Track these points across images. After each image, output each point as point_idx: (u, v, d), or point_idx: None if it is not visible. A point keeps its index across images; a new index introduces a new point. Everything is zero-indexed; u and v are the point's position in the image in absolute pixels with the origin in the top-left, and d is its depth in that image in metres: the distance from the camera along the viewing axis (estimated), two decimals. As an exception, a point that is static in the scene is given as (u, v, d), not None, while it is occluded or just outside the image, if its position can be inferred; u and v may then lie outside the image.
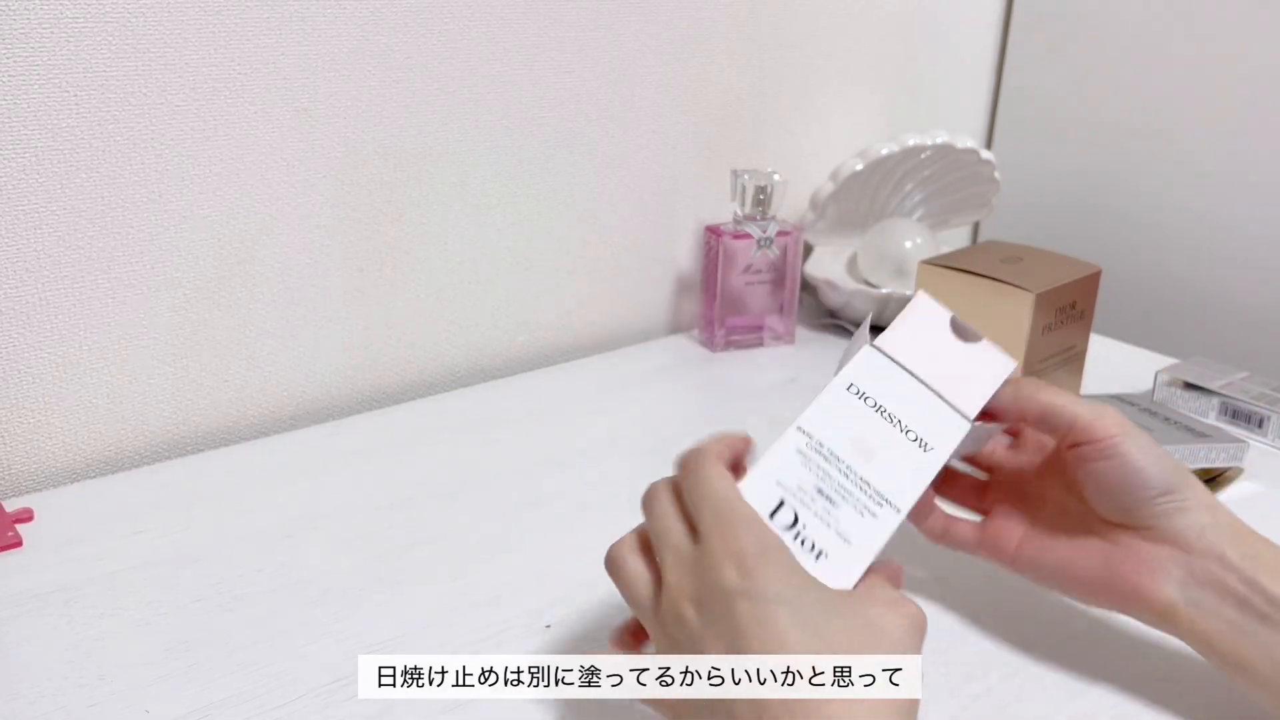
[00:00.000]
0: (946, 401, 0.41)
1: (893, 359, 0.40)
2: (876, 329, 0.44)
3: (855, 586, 0.38)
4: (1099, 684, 0.49)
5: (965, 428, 0.41)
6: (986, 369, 0.43)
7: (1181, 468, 0.45)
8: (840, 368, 0.41)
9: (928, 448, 0.40)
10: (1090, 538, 0.46)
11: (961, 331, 0.43)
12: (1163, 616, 0.45)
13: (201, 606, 0.52)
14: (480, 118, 0.78)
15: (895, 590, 0.38)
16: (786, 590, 0.36)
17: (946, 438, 0.40)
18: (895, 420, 0.39)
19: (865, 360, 0.40)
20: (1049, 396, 0.45)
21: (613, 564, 0.41)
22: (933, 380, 0.41)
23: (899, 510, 0.39)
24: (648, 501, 0.41)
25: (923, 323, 0.42)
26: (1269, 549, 0.44)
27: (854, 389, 0.39)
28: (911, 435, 0.39)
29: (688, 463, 0.41)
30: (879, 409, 0.39)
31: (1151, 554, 0.44)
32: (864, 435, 0.39)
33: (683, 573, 0.38)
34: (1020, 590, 0.56)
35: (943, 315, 0.43)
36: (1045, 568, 0.48)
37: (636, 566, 0.40)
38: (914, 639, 0.37)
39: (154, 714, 0.45)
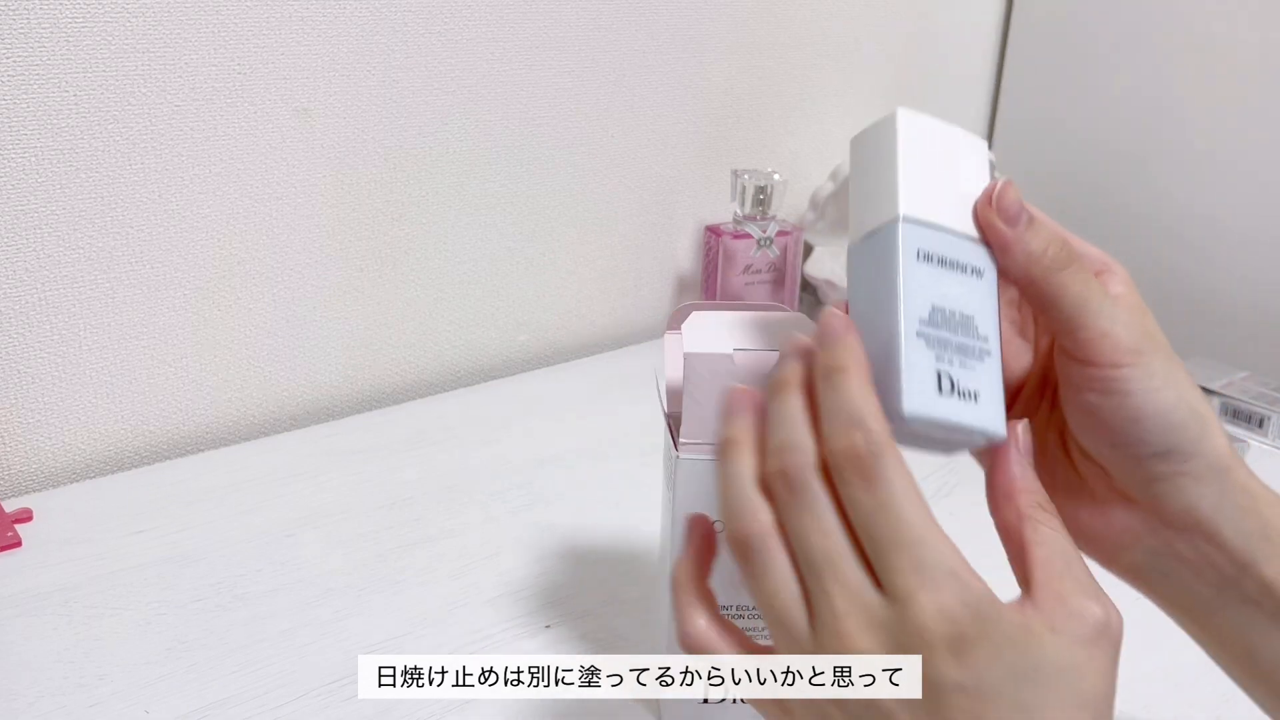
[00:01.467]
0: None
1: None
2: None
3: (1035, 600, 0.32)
4: (1099, 684, 0.48)
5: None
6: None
7: (1199, 414, 0.36)
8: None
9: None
10: (1061, 466, 0.39)
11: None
12: (1121, 572, 0.38)
13: (201, 606, 0.52)
14: (480, 118, 0.78)
15: (1077, 604, 0.32)
16: (1003, 676, 0.30)
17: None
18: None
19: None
20: (1062, 279, 0.36)
21: (745, 546, 0.32)
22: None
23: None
24: (792, 481, 0.31)
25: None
26: None
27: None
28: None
29: (859, 444, 0.30)
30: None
31: (1124, 519, 0.37)
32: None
33: (876, 641, 0.30)
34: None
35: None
36: None
37: (782, 570, 0.31)
38: (1111, 664, 0.33)
39: (154, 714, 0.45)
